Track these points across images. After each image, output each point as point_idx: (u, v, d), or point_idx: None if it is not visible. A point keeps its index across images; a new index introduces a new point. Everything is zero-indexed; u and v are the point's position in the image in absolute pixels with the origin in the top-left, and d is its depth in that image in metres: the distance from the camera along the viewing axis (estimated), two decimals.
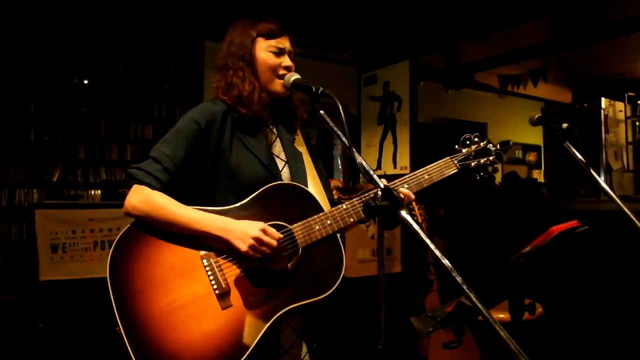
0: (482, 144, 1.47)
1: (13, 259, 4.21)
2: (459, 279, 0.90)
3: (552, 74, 5.78)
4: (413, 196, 1.35)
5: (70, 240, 2.81)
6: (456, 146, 1.48)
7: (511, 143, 1.50)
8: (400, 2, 4.42)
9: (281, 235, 1.25)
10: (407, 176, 1.40)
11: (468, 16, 4.60)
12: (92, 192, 4.66)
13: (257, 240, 1.21)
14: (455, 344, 2.76)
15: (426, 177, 1.40)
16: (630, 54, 5.52)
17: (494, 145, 1.48)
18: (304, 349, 1.40)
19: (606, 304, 3.10)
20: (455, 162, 1.44)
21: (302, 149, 1.51)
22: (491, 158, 1.46)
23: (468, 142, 1.47)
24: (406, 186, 1.37)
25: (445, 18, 4.68)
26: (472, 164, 1.45)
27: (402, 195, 1.31)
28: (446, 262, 0.92)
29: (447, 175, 1.42)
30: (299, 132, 1.55)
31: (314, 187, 1.42)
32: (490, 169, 1.47)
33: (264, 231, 1.22)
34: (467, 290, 0.89)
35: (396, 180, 1.40)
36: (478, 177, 1.46)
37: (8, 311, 3.38)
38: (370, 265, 3.33)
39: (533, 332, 2.99)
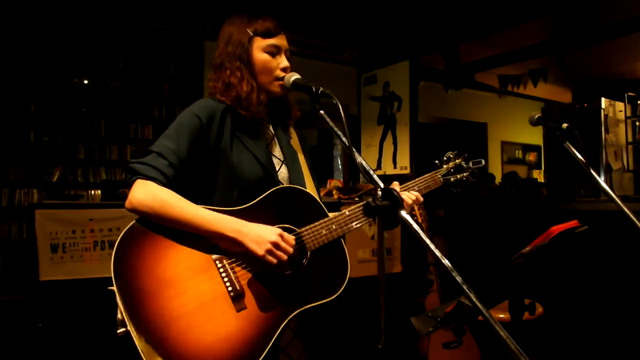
0: (457, 161, 1.64)
1: (13, 259, 4.21)
2: (459, 279, 0.90)
3: (552, 74, 5.78)
4: (422, 199, 1.49)
5: (70, 240, 2.80)
6: (436, 162, 1.65)
7: (483, 162, 1.67)
8: (400, 2, 4.42)
9: (295, 242, 1.26)
10: (402, 186, 1.51)
11: (468, 16, 4.60)
12: (92, 192, 4.66)
13: (275, 245, 1.20)
14: (455, 344, 2.76)
15: (416, 189, 1.52)
16: (630, 54, 5.52)
17: (466, 163, 1.65)
18: (301, 348, 1.40)
19: (606, 304, 3.10)
20: (439, 176, 1.60)
21: (298, 148, 1.52)
22: (465, 174, 1.64)
23: (445, 159, 1.64)
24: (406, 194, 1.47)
25: (445, 18, 4.68)
26: (452, 179, 1.63)
27: (413, 198, 1.46)
28: (446, 262, 0.92)
29: (432, 188, 1.58)
30: (294, 132, 1.55)
31: (309, 187, 1.44)
32: (465, 184, 1.64)
33: (281, 236, 1.22)
34: (467, 290, 0.89)
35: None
36: (455, 191, 1.64)
37: (8, 311, 3.38)
38: (370, 265, 3.33)
39: (533, 332, 2.99)
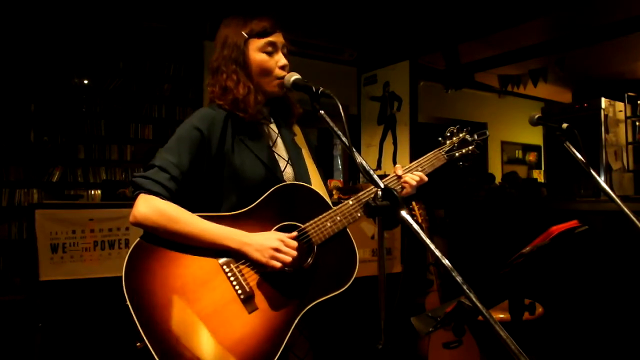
0: (461, 135, 1.58)
1: (13, 259, 4.21)
2: (459, 279, 0.90)
3: (552, 74, 5.78)
4: (426, 178, 1.46)
5: (70, 240, 2.80)
6: (440, 139, 1.59)
7: (487, 134, 1.61)
8: (400, 2, 4.42)
9: (297, 244, 1.26)
10: (404, 168, 1.47)
11: (468, 16, 4.60)
12: (92, 192, 4.66)
13: (276, 250, 1.22)
14: (455, 344, 2.76)
15: (420, 169, 1.47)
16: (630, 54, 5.53)
17: (471, 136, 1.59)
18: (307, 348, 1.40)
19: (606, 304, 3.10)
20: (443, 153, 1.55)
21: (302, 144, 1.51)
22: (471, 148, 1.58)
23: (449, 135, 1.59)
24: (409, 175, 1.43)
25: (445, 18, 4.68)
26: (457, 154, 1.56)
27: (417, 179, 1.42)
28: (446, 262, 0.92)
29: (437, 166, 1.52)
30: (298, 129, 1.55)
31: (316, 184, 1.43)
32: (471, 157, 1.59)
33: (281, 241, 1.23)
34: (467, 290, 0.89)
35: (405, 168, 1.47)
36: (461, 165, 1.58)
37: (8, 311, 3.37)
38: (370, 265, 3.33)
39: (533, 332, 2.99)
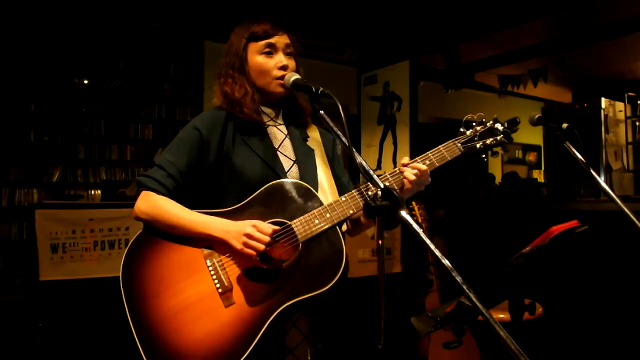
0: (488, 124, 1.42)
1: (13, 259, 4.21)
2: (459, 279, 0.91)
3: (552, 74, 5.78)
4: (424, 168, 1.33)
5: (70, 240, 2.81)
6: (461, 129, 1.43)
7: (518, 120, 1.42)
8: (400, 2, 4.42)
9: (275, 228, 1.25)
10: (410, 161, 1.37)
11: (468, 16, 4.60)
12: (92, 192, 4.66)
13: (248, 236, 1.22)
14: (455, 344, 2.76)
15: (427, 162, 1.35)
16: (630, 54, 5.53)
17: (502, 125, 1.42)
18: (310, 351, 1.39)
19: (606, 304, 3.10)
20: (458, 144, 1.39)
21: (316, 146, 1.50)
22: (499, 137, 1.40)
23: (473, 124, 1.43)
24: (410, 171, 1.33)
25: (445, 18, 4.68)
26: (477, 145, 1.40)
27: (418, 172, 1.31)
28: (446, 262, 0.92)
29: (448, 159, 1.38)
30: (316, 130, 1.54)
31: (327, 184, 1.42)
32: (499, 148, 1.42)
33: (255, 227, 1.24)
34: (467, 290, 0.89)
35: (415, 159, 1.37)
36: (484, 157, 1.41)
37: (8, 311, 3.38)
38: (370, 265, 3.33)
39: (533, 332, 2.99)
